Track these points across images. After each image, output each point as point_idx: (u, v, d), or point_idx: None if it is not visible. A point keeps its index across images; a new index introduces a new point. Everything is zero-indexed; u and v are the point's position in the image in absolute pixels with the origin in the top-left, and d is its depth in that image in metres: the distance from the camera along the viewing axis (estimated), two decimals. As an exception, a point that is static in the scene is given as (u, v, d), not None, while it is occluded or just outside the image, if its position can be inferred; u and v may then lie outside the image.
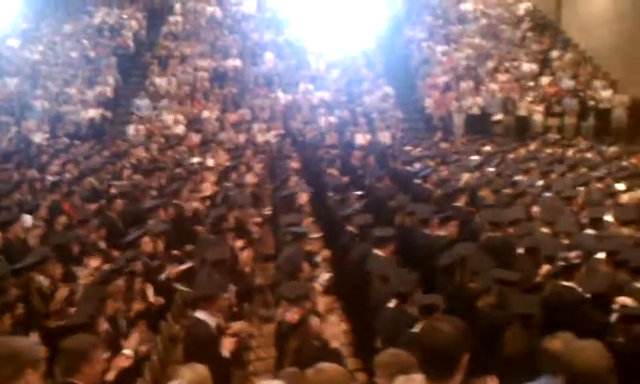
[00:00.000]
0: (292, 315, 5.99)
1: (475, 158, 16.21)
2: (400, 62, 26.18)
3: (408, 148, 18.84)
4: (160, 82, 23.56)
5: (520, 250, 8.50)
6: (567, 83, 24.05)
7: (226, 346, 6.17)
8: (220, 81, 24.09)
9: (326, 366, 4.28)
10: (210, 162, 16.57)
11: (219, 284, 6.79)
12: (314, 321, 6.06)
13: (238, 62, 25.04)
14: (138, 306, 7.33)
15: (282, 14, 28.48)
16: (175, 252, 9.96)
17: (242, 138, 20.79)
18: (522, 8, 29.66)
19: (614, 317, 6.23)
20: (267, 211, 12.70)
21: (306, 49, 26.34)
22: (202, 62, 24.84)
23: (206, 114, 21.96)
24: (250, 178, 14.23)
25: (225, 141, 20.30)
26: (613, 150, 18.13)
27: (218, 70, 24.65)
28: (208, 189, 13.22)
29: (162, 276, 8.63)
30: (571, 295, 6.98)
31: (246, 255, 9.08)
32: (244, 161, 16.23)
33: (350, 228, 9.72)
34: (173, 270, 8.85)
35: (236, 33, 27.09)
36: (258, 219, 11.68)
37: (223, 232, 9.69)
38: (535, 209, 10.86)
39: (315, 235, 9.98)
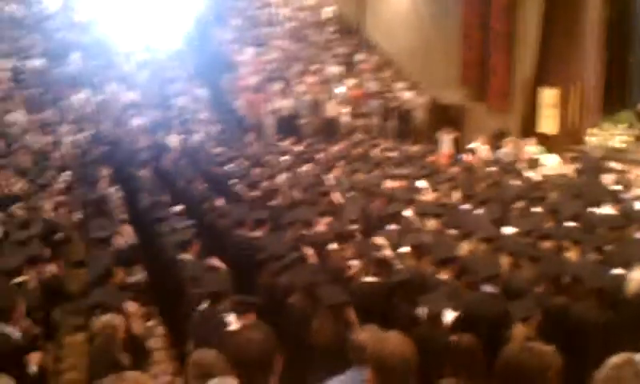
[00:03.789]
0: None
1: (286, 158, 16.53)
2: (210, 64, 26.18)
3: (221, 149, 18.91)
4: (-44, 82, 22.16)
5: (331, 246, 8.84)
6: (371, 85, 25.09)
7: (34, 361, 5.86)
8: (23, 81, 23.00)
9: (129, 374, 3.74)
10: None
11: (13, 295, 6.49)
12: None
13: (42, 62, 24.02)
14: None
15: (87, 14, 27.63)
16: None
17: (48, 140, 19.98)
18: (326, 12, 30.54)
19: (422, 311, 6.54)
20: (77, 216, 12.35)
21: (113, 49, 25.75)
22: (2, 62, 23.59)
23: (9, 115, 20.89)
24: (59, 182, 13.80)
25: (31, 143, 19.44)
26: (414, 149, 19.06)
27: (21, 70, 23.51)
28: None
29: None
30: (379, 288, 7.37)
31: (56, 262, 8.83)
32: (52, 164, 15.66)
33: (164, 231, 9.68)
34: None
35: (39, 32, 25.97)
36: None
37: (29, 239, 9.33)
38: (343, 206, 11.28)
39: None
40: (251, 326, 3.71)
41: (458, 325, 6.42)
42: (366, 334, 4.61)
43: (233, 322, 5.91)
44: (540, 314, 6.07)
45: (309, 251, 8.39)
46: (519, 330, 5.79)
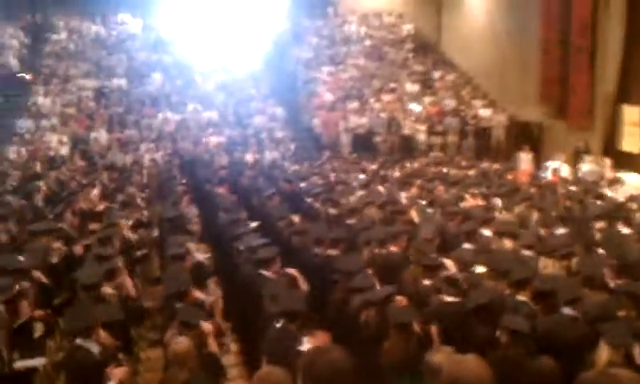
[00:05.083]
0: None
1: (362, 176, 16.48)
2: (287, 83, 26.41)
3: (297, 167, 19.00)
4: (43, 101, 22.94)
5: (406, 266, 8.71)
6: (448, 103, 24.87)
7: (116, 377, 5.85)
8: (105, 100, 23.69)
9: None
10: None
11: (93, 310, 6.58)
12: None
13: (123, 82, 24.69)
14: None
15: (167, 35, 28.33)
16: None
17: (129, 158, 20.48)
18: (404, 30, 30.50)
19: (500, 332, 6.40)
20: (154, 232, 12.54)
21: (193, 69, 26.28)
22: (86, 82, 24.36)
23: (92, 134, 21.51)
24: (138, 199, 14.05)
25: (112, 161, 19.95)
26: (492, 167, 18.77)
27: (103, 89, 24.23)
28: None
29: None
30: (457, 308, 7.22)
31: (129, 279, 8.94)
32: (132, 182, 15.99)
33: (239, 248, 9.73)
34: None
35: (121, 52, 26.74)
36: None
37: (109, 255, 9.49)
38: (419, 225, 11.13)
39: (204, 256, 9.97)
40: (334, 349, 3.64)
41: (536, 348, 6.24)
42: (441, 356, 4.53)
43: (306, 341, 5.87)
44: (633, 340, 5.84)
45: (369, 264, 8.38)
46: (603, 355, 5.59)
